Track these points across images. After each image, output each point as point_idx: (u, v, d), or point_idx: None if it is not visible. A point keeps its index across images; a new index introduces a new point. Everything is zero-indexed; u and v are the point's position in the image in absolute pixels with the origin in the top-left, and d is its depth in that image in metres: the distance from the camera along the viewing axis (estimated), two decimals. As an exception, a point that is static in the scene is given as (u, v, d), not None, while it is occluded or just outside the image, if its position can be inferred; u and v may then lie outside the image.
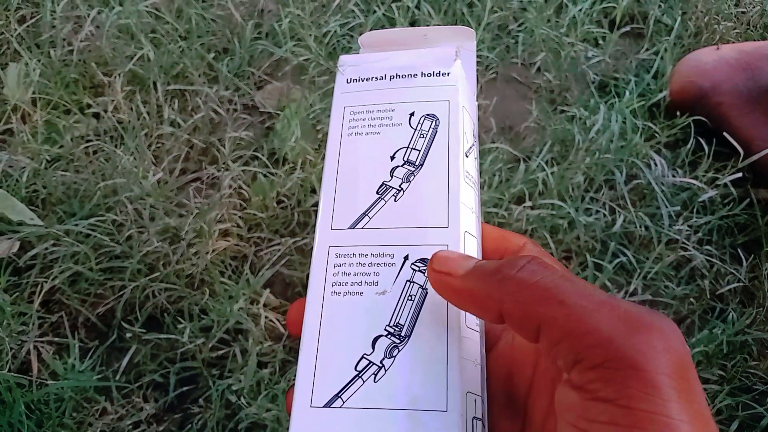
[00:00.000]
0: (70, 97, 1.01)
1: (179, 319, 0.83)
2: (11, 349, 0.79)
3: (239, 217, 0.93)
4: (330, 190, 0.31)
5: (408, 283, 0.27)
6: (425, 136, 0.31)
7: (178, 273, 0.86)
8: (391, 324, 0.26)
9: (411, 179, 0.30)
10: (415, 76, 0.33)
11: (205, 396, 0.80)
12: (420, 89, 0.32)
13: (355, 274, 0.28)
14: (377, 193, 0.30)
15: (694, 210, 0.95)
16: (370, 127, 0.32)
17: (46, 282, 0.83)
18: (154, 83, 1.02)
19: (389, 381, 0.25)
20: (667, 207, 0.93)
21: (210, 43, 1.09)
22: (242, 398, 0.77)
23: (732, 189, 0.95)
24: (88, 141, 0.97)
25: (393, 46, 0.34)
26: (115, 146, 0.96)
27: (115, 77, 1.02)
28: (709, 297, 0.89)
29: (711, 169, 0.98)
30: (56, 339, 0.82)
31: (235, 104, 1.05)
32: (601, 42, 1.16)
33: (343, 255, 0.29)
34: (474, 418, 0.24)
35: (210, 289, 0.85)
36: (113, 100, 1.00)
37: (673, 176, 0.97)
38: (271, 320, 0.85)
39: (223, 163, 0.97)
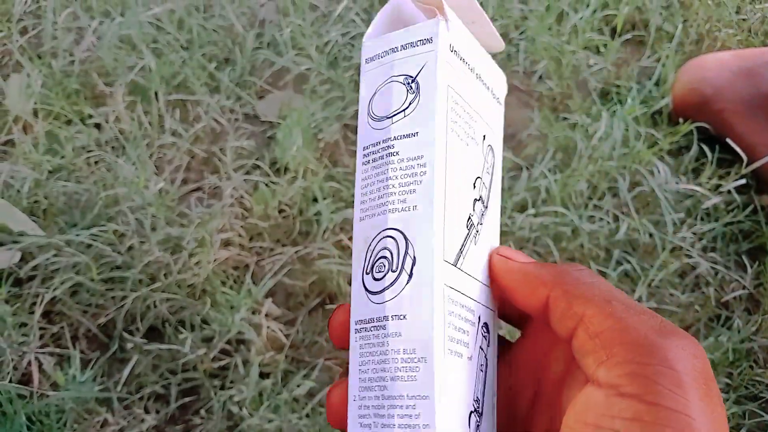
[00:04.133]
0: (72, 108, 1.01)
1: (180, 329, 0.83)
2: (12, 360, 0.79)
3: (241, 226, 0.93)
4: (440, 198, 0.22)
5: (480, 350, 0.24)
6: (490, 172, 0.26)
7: (180, 283, 0.86)
8: (474, 399, 0.23)
9: (483, 221, 0.25)
10: (488, 88, 0.26)
11: (207, 407, 0.79)
12: (489, 110, 0.26)
13: (458, 329, 0.22)
14: (467, 227, 0.24)
15: (698, 217, 0.95)
16: (464, 132, 0.24)
17: (47, 292, 0.83)
18: (156, 93, 1.02)
19: None
20: (671, 214, 0.92)
21: (211, 53, 1.09)
22: (244, 409, 0.76)
23: (736, 195, 0.94)
24: (89, 151, 0.97)
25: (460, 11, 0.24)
26: (117, 156, 0.96)
27: (117, 87, 1.02)
28: (714, 304, 0.89)
29: (714, 176, 0.98)
30: (57, 350, 0.82)
31: (237, 114, 1.05)
32: (602, 50, 1.16)
33: (455, 302, 0.22)
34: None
35: (211, 299, 0.85)
36: (114, 111, 1.00)
37: (677, 183, 0.97)
38: (273, 330, 0.84)
39: (225, 173, 0.97)
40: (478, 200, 0.25)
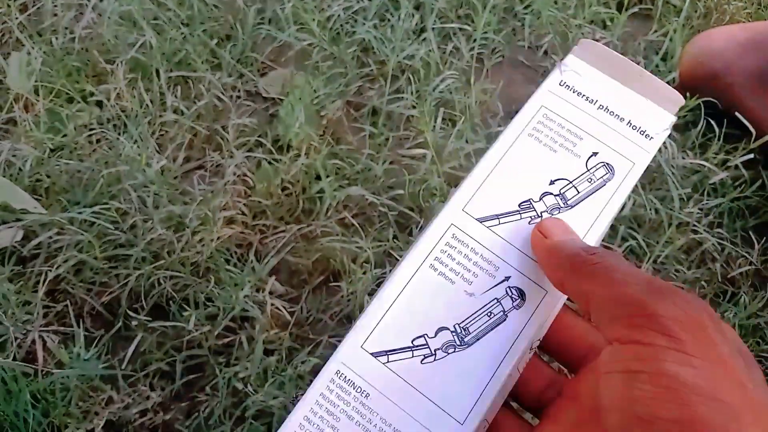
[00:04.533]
0: (73, 86, 1.01)
1: (185, 306, 0.83)
2: (16, 338, 0.79)
3: (244, 204, 0.92)
4: (483, 173, 0.30)
5: (495, 301, 0.27)
6: (592, 182, 0.30)
7: (183, 261, 0.85)
8: (461, 325, 0.26)
9: (554, 213, 0.29)
10: (622, 120, 0.31)
11: (212, 384, 0.79)
12: (618, 136, 0.30)
13: (458, 263, 0.27)
14: (519, 206, 0.29)
15: (705, 192, 0.94)
16: (552, 140, 0.30)
17: (50, 271, 0.83)
18: (157, 70, 1.01)
19: (432, 370, 0.26)
20: (677, 189, 0.91)
21: (212, 30, 1.08)
22: (249, 386, 0.77)
23: (743, 171, 0.93)
24: (91, 129, 0.97)
25: (607, 67, 0.32)
26: (118, 134, 0.95)
27: (118, 65, 1.01)
28: (720, 280, 0.88)
29: (722, 151, 0.97)
30: (61, 328, 0.82)
31: (239, 91, 1.04)
32: (609, 24, 1.14)
33: (458, 239, 0.28)
34: None
35: (215, 277, 0.85)
36: (116, 88, 0.99)
37: (684, 158, 0.96)
38: (277, 308, 0.84)
39: (227, 151, 0.96)
40: (553, 195, 0.30)
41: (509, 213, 0.29)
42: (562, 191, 0.30)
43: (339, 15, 1.08)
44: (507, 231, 0.28)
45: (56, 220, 0.84)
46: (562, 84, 0.32)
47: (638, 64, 1.06)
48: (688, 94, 1.00)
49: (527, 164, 0.30)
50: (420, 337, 0.26)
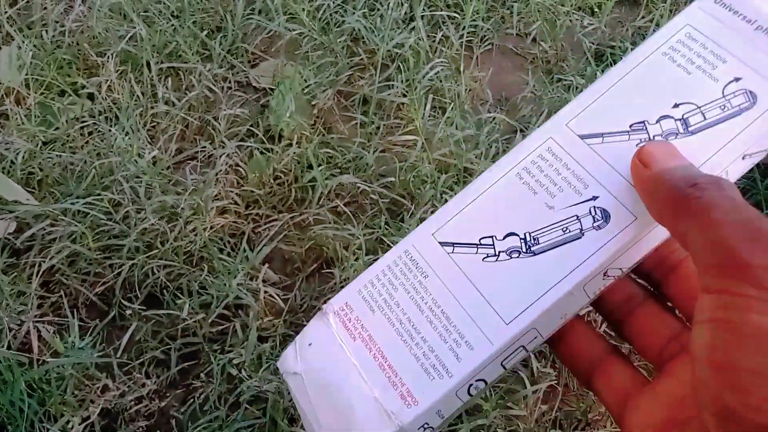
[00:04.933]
0: (64, 79, 1.01)
1: (179, 295, 0.83)
2: (11, 329, 0.79)
3: (236, 194, 0.93)
4: (598, 90, 0.28)
5: (575, 218, 0.26)
6: (726, 110, 0.26)
7: (177, 250, 0.86)
8: (533, 234, 0.26)
9: (669, 139, 0.26)
10: None
11: (207, 371, 0.80)
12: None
13: (546, 176, 0.26)
14: (630, 126, 0.27)
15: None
16: (688, 61, 0.27)
17: (44, 262, 0.83)
18: (148, 62, 1.02)
19: (492, 269, 0.26)
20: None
21: (202, 21, 1.08)
22: (243, 371, 0.77)
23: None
24: (83, 122, 0.97)
25: None
26: (110, 126, 0.96)
27: (108, 57, 1.02)
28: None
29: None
30: (56, 318, 0.82)
31: (230, 82, 1.04)
32: (596, 10, 1.15)
33: (553, 153, 0.27)
34: (522, 346, 0.25)
35: (209, 266, 0.85)
36: (107, 80, 0.99)
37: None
38: (270, 295, 0.85)
39: (219, 141, 0.97)
40: (674, 119, 0.26)
41: (616, 132, 0.27)
42: (685, 116, 0.26)
43: (328, 5, 1.08)
44: (608, 150, 0.26)
45: (49, 212, 0.85)
46: (717, 1, 0.28)
47: (625, 50, 1.07)
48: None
49: (652, 84, 0.27)
50: (488, 237, 0.26)
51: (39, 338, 0.79)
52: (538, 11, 1.12)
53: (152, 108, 0.98)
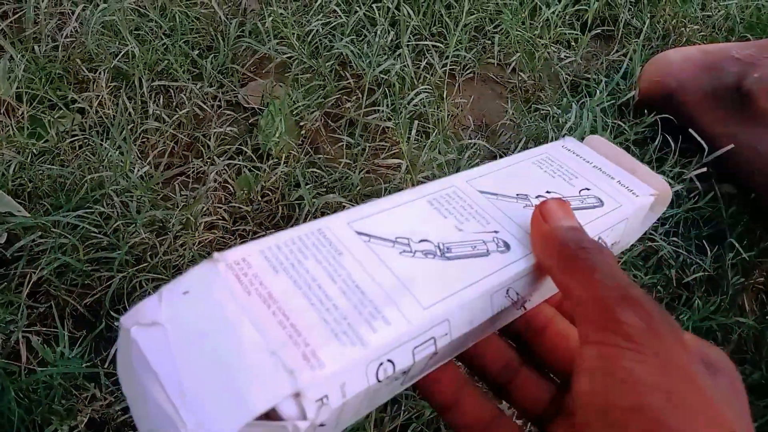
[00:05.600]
0: (55, 93, 1.03)
1: (167, 308, 0.85)
2: None
3: (224, 210, 0.95)
4: (488, 169, 0.34)
5: (481, 241, 0.29)
6: (583, 202, 0.33)
7: (166, 264, 0.88)
8: (446, 244, 0.28)
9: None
10: (612, 178, 0.35)
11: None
12: (608, 185, 0.35)
13: (454, 207, 0.31)
14: (516, 195, 0.33)
15: (662, 203, 1.00)
16: (552, 171, 0.35)
17: (34, 273, 0.84)
18: (139, 79, 1.04)
19: (408, 261, 0.27)
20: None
21: (194, 41, 1.11)
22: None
23: (697, 183, 1.00)
24: (73, 135, 0.99)
25: (604, 151, 0.37)
26: (101, 141, 0.97)
27: (100, 73, 1.04)
28: (675, 285, 0.94)
29: (677, 165, 1.03)
30: (44, 329, 0.83)
31: (220, 101, 1.07)
32: (573, 44, 1.20)
33: (458, 195, 0.32)
34: (433, 338, 0.25)
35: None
36: (98, 96, 1.01)
37: (642, 171, 1.02)
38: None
39: (209, 158, 0.99)
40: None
41: (507, 196, 0.32)
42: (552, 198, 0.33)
43: (318, 30, 1.12)
44: (502, 206, 0.31)
45: (40, 223, 0.86)
46: (563, 147, 0.37)
47: (599, 82, 1.13)
48: (646, 111, 1.07)
49: (528, 176, 0.34)
50: (404, 238, 0.27)
51: (28, 348, 0.80)
52: (518, 42, 1.17)
53: (143, 124, 1.01)
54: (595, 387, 0.23)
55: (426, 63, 1.13)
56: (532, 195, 0.33)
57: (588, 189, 0.34)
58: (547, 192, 0.33)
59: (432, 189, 0.31)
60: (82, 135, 0.99)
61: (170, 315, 0.21)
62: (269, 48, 1.08)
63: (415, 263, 0.26)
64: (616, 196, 0.34)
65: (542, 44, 1.16)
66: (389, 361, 0.23)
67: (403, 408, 0.79)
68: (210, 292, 0.22)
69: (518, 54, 1.16)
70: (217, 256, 0.23)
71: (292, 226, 0.96)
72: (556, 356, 0.31)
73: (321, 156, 1.02)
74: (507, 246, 0.29)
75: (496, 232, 0.30)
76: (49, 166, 0.94)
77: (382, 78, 1.08)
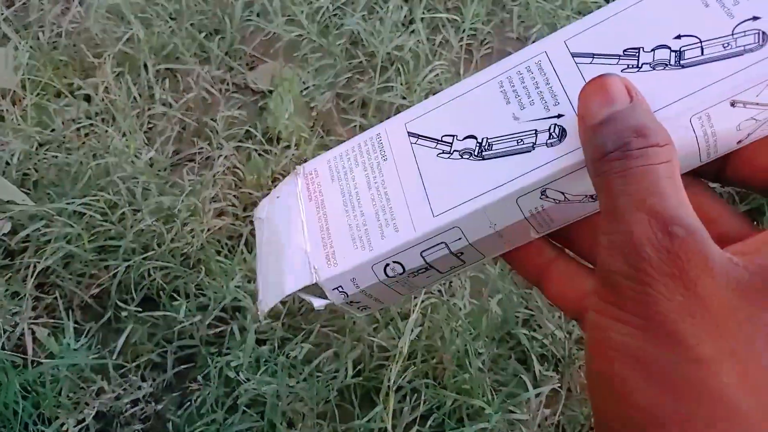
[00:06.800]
0: (60, 80, 1.00)
1: (175, 296, 0.82)
2: (5, 330, 0.78)
3: (234, 196, 0.92)
4: (607, 13, 0.26)
5: (533, 132, 0.25)
6: (728, 48, 0.23)
7: (173, 252, 0.85)
8: (489, 140, 0.26)
9: (656, 69, 0.24)
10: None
11: (204, 374, 0.79)
12: None
13: (525, 87, 0.26)
14: (623, 51, 0.25)
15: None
16: None
17: (39, 263, 0.82)
18: (145, 64, 1.01)
19: (441, 166, 0.26)
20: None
21: (200, 24, 1.08)
22: (241, 374, 0.76)
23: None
24: (79, 123, 0.96)
25: None
26: (107, 127, 0.95)
27: (105, 59, 1.01)
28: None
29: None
30: (51, 320, 0.81)
31: (228, 84, 1.04)
32: (596, 14, 1.15)
33: (541, 67, 0.26)
34: (443, 242, 0.26)
35: (206, 268, 0.84)
36: (103, 81, 0.99)
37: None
38: (268, 297, 0.83)
39: (217, 143, 0.96)
40: (670, 49, 0.24)
41: (607, 55, 0.25)
42: (682, 48, 0.24)
43: (327, 7, 1.08)
44: (593, 71, 0.24)
45: (44, 212, 0.84)
46: None
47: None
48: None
49: (664, 11, 0.25)
50: (450, 135, 0.27)
51: (34, 340, 0.78)
52: (539, 15, 1.12)
53: (149, 109, 0.98)
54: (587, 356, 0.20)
55: (442, 38, 1.08)
56: (649, 46, 0.24)
57: (756, 18, 0.24)
58: (678, 37, 0.24)
59: (514, 62, 0.27)
60: (88, 122, 0.96)
61: (267, 213, 0.29)
62: (277, 26, 1.04)
63: (448, 166, 0.26)
64: None
65: (564, 15, 1.11)
66: (396, 262, 0.26)
67: (423, 397, 0.75)
68: (288, 198, 0.29)
69: (539, 26, 1.11)
70: (298, 169, 0.29)
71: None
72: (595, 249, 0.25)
73: (333, 138, 0.98)
74: (561, 136, 0.25)
75: (558, 116, 0.25)
76: (54, 154, 0.92)
77: (396, 55, 1.04)
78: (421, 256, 0.26)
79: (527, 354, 0.79)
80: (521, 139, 0.26)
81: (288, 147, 0.96)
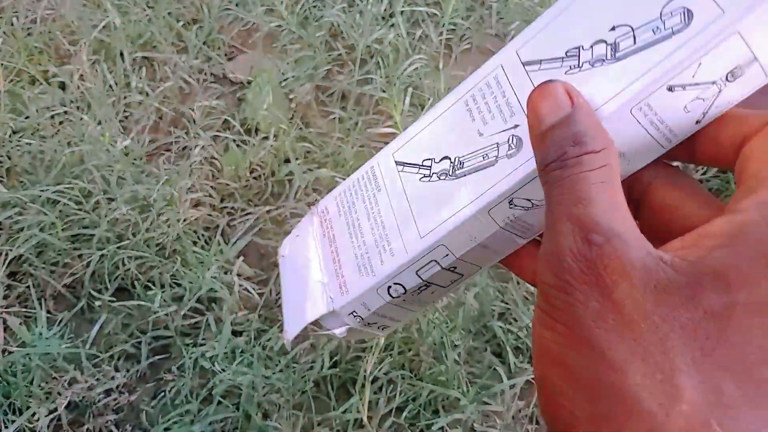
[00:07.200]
0: (35, 67, 0.98)
1: (150, 286, 0.81)
2: (-25, 319, 0.77)
3: (211, 187, 0.91)
4: (548, 17, 0.25)
5: (495, 145, 0.26)
6: (658, 32, 0.23)
7: (149, 241, 0.84)
8: (460, 158, 0.27)
9: (596, 66, 0.24)
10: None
11: (179, 365, 0.78)
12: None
13: (486, 103, 0.27)
14: (566, 53, 0.24)
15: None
16: None
17: (11, 251, 0.81)
18: (121, 52, 1.00)
19: (425, 189, 0.28)
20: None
21: (178, 12, 1.07)
22: (216, 364, 0.76)
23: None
24: (53, 110, 0.95)
25: None
26: (82, 115, 0.93)
27: (81, 46, 1.00)
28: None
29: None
30: (23, 309, 0.80)
31: (206, 74, 1.03)
32: (574, 12, 1.16)
33: (497, 81, 0.26)
34: (434, 260, 0.28)
35: (182, 258, 0.83)
36: (79, 69, 0.97)
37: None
38: (246, 289, 0.83)
39: (195, 133, 0.95)
40: (606, 43, 0.24)
41: (553, 59, 0.25)
42: (617, 40, 0.24)
43: (307, -1, 1.08)
44: (541, 77, 0.24)
45: (18, 199, 0.82)
46: None
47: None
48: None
49: (591, 12, 0.25)
50: (429, 159, 0.29)
51: (5, 329, 0.76)
52: (517, 12, 1.12)
53: (125, 98, 0.97)
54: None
55: (421, 33, 1.08)
56: (587, 43, 0.24)
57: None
58: (612, 29, 0.24)
59: (476, 79, 0.28)
60: (63, 110, 0.94)
61: (289, 251, 0.32)
62: (256, 16, 1.04)
63: (429, 189, 0.28)
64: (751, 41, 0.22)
65: (542, 12, 1.12)
66: (396, 283, 0.28)
67: (399, 388, 0.75)
68: (305, 235, 0.31)
69: (517, 23, 1.11)
70: (313, 209, 0.32)
71: (283, 202, 0.92)
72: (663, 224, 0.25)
73: (312, 130, 0.98)
74: (519, 145, 0.25)
75: (514, 127, 0.26)
76: (28, 141, 0.90)
77: (375, 48, 1.04)
78: (417, 275, 0.28)
79: (503, 347, 0.79)
80: (486, 154, 0.27)
81: (266, 138, 0.95)
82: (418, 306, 0.30)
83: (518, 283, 0.85)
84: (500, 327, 0.79)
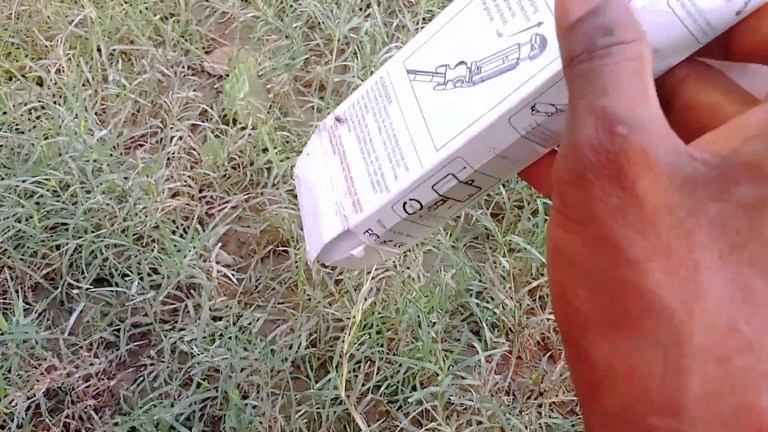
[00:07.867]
0: (12, 63, 0.99)
1: (129, 272, 0.81)
2: (-47, 309, 0.77)
3: (189, 176, 0.92)
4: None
5: (516, 46, 0.24)
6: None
7: (126, 231, 0.84)
8: (477, 63, 0.26)
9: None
10: None
11: (158, 350, 0.78)
12: None
13: (505, 0, 0.25)
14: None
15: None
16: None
17: (-12, 242, 0.81)
18: (98, 47, 1.00)
19: (437, 97, 0.27)
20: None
21: (155, 7, 1.07)
22: (195, 347, 0.76)
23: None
24: (30, 104, 0.95)
25: None
26: (59, 106, 0.94)
27: (58, 41, 1.00)
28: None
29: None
30: (2, 301, 0.80)
31: (183, 66, 1.03)
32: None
33: None
34: (451, 173, 0.27)
35: (159, 246, 0.84)
36: (56, 63, 0.98)
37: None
38: (225, 276, 0.83)
39: (172, 124, 0.96)
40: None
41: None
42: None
43: (283, -10, 1.08)
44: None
45: (-7, 191, 0.83)
46: None
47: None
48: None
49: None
50: (443, 66, 0.27)
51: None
52: None
53: (103, 90, 0.97)
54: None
55: (398, 22, 1.09)
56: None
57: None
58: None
59: None
60: (40, 104, 0.95)
61: (300, 170, 0.31)
62: (232, 5, 1.04)
63: (444, 98, 0.27)
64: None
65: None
66: (412, 199, 0.27)
67: (377, 365, 0.76)
68: (315, 153, 0.30)
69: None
70: (320, 125, 0.31)
71: (261, 191, 0.92)
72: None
73: (290, 119, 0.99)
74: (543, 45, 0.24)
75: (538, 24, 0.24)
76: (4, 133, 0.90)
77: (352, 37, 1.05)
78: (434, 189, 0.27)
79: (479, 324, 0.80)
80: (506, 56, 0.25)
81: (244, 128, 0.96)
82: (435, 222, 0.29)
83: (494, 263, 0.85)
84: (476, 304, 0.80)
